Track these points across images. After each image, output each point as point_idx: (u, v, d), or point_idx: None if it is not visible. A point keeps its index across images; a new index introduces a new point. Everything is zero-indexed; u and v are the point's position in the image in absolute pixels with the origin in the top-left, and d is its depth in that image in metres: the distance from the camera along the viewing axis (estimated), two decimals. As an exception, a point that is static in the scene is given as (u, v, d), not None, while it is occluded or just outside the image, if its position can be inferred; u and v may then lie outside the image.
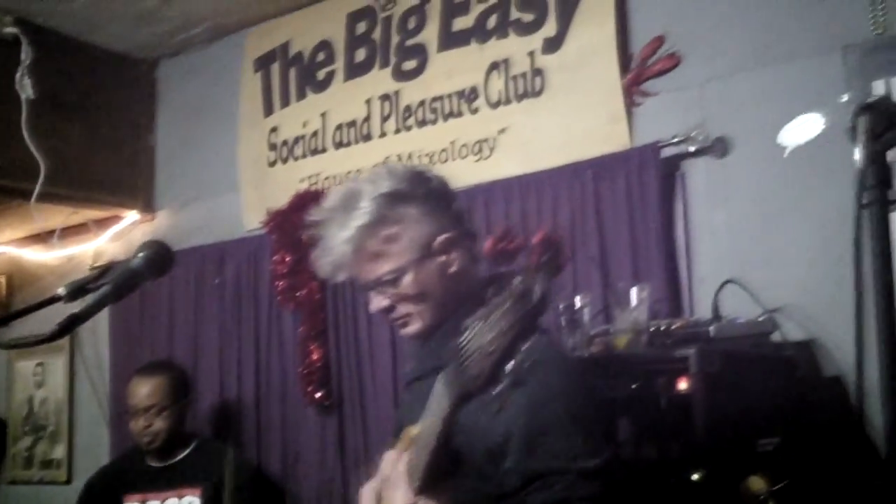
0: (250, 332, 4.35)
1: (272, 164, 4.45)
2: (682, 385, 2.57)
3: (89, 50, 4.85)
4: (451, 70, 3.94)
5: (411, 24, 4.08)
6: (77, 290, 2.02)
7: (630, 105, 3.52)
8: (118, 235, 5.09)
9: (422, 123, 3.99)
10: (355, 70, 4.24)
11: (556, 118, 3.64)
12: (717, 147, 3.34)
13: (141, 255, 2.01)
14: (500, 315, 1.48)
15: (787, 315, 3.11)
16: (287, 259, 4.11)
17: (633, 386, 2.64)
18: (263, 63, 4.57)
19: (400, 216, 2.04)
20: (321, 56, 4.36)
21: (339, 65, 4.30)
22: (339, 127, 4.23)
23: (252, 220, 4.43)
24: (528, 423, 1.83)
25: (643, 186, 3.36)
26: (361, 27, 4.24)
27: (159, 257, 2.03)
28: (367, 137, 4.13)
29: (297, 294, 4.14)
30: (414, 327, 2.09)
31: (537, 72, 3.71)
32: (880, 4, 3.13)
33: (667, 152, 3.39)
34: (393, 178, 2.08)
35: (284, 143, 4.43)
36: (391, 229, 2.04)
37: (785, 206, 3.24)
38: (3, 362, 5.65)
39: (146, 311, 4.72)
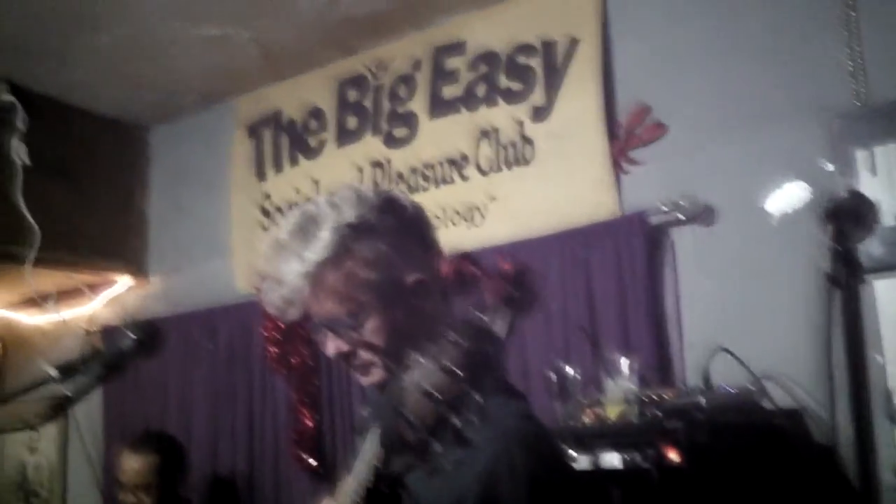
0: (243, 399, 4.36)
1: (264, 229, 4.48)
2: (673, 456, 2.58)
3: (82, 116, 4.90)
4: (441, 137, 3.99)
5: (401, 91, 4.15)
6: (68, 371, 2.03)
7: (617, 173, 3.57)
8: (112, 300, 5.11)
9: (413, 190, 4.03)
10: (346, 137, 4.29)
11: (544, 185, 3.69)
12: (705, 215, 3.38)
13: (130, 336, 2.02)
14: (449, 352, 1.27)
15: (776, 382, 3.12)
16: (279, 324, 4.12)
17: (625, 457, 2.64)
18: (255, 129, 4.62)
19: (366, 251, 1.73)
20: (312, 123, 4.42)
21: (331, 132, 4.35)
22: (331, 193, 4.25)
23: (244, 285, 4.45)
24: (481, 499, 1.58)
25: (631, 254, 3.39)
26: (352, 95, 4.30)
27: (149, 338, 2.04)
28: (357, 204, 4.16)
29: (290, 360, 4.15)
30: (375, 377, 1.79)
31: (526, 140, 3.77)
32: (860, 76, 3.19)
33: (654, 220, 3.43)
34: (360, 204, 1.76)
35: (277, 208, 4.46)
36: (354, 266, 1.73)
37: (772, 273, 3.27)
38: (-5, 427, 5.64)
39: (139, 377, 4.72)
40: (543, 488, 1.63)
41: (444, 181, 3.96)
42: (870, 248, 3.02)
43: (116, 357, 1.96)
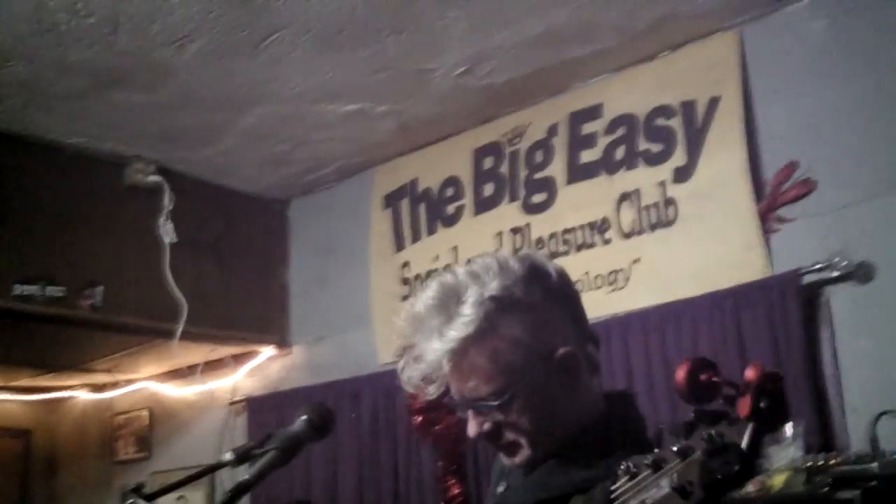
0: (388, 468, 4.37)
1: (404, 298, 4.51)
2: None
3: (224, 193, 5.06)
4: (580, 202, 3.98)
5: (538, 157, 4.16)
6: (243, 455, 2.05)
7: (767, 232, 3.49)
8: (255, 370, 5.21)
9: (554, 255, 4.01)
10: (484, 204, 4.32)
11: (690, 247, 3.64)
12: (860, 272, 3.28)
13: (303, 417, 2.04)
14: (680, 473, 1.11)
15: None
16: (423, 393, 4.12)
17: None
18: (393, 200, 4.69)
19: (511, 327, 1.60)
20: (450, 191, 4.46)
21: (468, 199, 4.38)
22: (470, 261, 4.27)
23: (386, 355, 4.48)
24: None
25: (785, 315, 3.30)
26: (488, 162, 4.33)
27: (320, 419, 2.06)
28: (496, 272, 4.16)
29: (435, 428, 4.14)
30: (522, 456, 1.65)
31: (669, 201, 3.73)
32: None
33: (808, 279, 3.34)
34: (503, 275, 1.63)
35: (417, 276, 4.50)
36: (499, 343, 1.60)
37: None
38: (143, 496, 5.76)
39: (284, 447, 4.77)
40: None
41: (585, 245, 3.95)
42: None
43: (290, 440, 1.97)
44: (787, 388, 3.06)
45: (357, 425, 4.54)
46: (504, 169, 4.27)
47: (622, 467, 1.20)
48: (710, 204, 3.61)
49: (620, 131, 3.91)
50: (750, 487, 2.78)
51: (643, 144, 3.84)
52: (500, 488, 1.76)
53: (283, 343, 5.15)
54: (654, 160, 3.80)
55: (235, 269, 5.05)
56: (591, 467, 1.52)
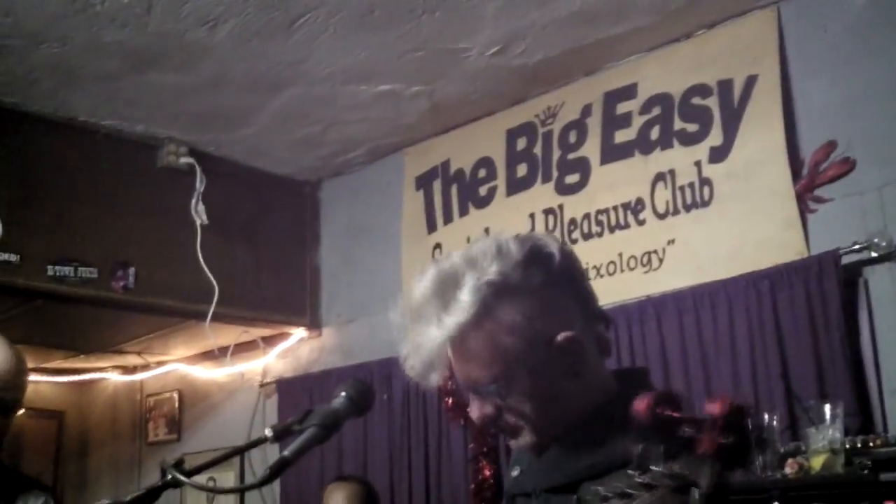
0: (419, 450, 4.37)
1: (436, 279, 4.48)
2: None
3: (255, 175, 5.06)
4: (614, 182, 3.95)
5: (572, 138, 4.13)
6: (283, 432, 2.04)
7: (804, 212, 3.45)
8: (286, 352, 5.22)
9: (587, 236, 4.00)
10: (517, 185, 4.29)
11: (726, 228, 3.60)
12: (899, 253, 3.24)
13: (343, 394, 2.02)
14: None
15: None
16: (455, 374, 4.11)
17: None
18: (424, 181, 4.67)
19: (509, 312, 1.57)
20: (482, 172, 4.43)
21: (501, 180, 4.36)
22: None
23: (417, 336, 4.45)
24: None
25: (824, 295, 3.26)
26: (521, 143, 4.31)
27: (360, 396, 2.04)
28: (532, 252, 4.13)
29: (466, 410, 4.13)
30: (525, 440, 1.64)
31: (705, 181, 3.69)
32: None
33: (847, 259, 3.30)
34: (501, 259, 1.59)
35: (448, 258, 4.47)
36: (497, 329, 1.57)
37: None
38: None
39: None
40: None
41: (620, 226, 3.92)
42: None
43: (330, 417, 1.95)
44: (826, 371, 3.03)
45: (388, 407, 4.54)
46: (537, 149, 4.24)
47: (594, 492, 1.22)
48: (747, 184, 3.57)
49: (655, 111, 3.88)
50: (788, 469, 2.76)
51: (679, 124, 3.80)
52: (515, 472, 1.74)
53: (313, 325, 5.15)
54: (689, 140, 3.76)
55: (267, 251, 5.05)
56: (599, 451, 1.49)
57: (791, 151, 3.51)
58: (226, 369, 5.41)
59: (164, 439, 5.94)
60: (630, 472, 1.23)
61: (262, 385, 5.23)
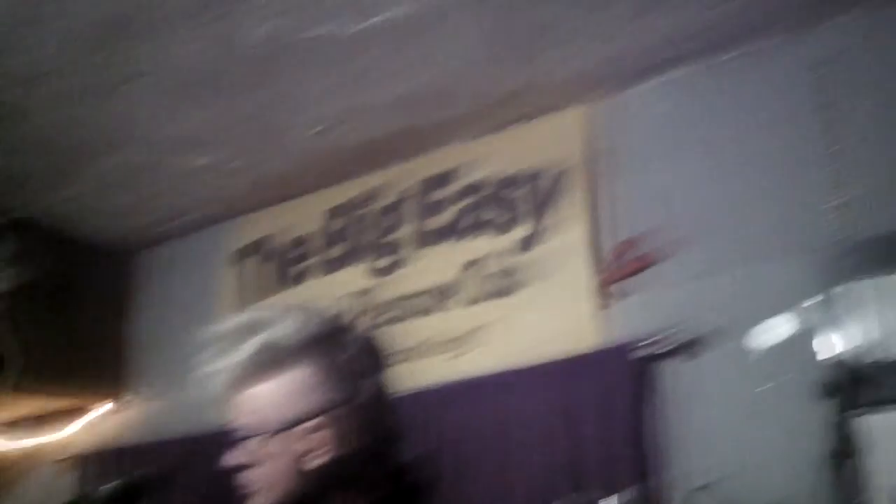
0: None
1: (247, 356, 4.41)
2: None
3: (70, 241, 4.90)
4: (427, 267, 4.00)
5: (388, 221, 4.16)
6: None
7: (603, 305, 3.55)
8: (91, 425, 5.02)
9: (396, 320, 4.01)
10: (333, 265, 4.29)
11: (529, 317, 3.67)
12: (690, 348, 3.35)
13: (111, 486, 1.98)
14: None
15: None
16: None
17: None
18: (242, 256, 4.63)
19: (286, 374, 1.66)
20: (299, 250, 4.42)
21: (317, 259, 4.35)
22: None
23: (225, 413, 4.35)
24: None
25: (615, 386, 3.34)
26: (339, 223, 4.32)
27: (129, 489, 2.00)
28: (340, 334, 4.10)
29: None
30: (261, 500, 1.68)
31: (511, 271, 3.77)
32: (843, 213, 3.21)
33: (639, 352, 3.39)
34: (300, 326, 1.69)
35: (260, 335, 4.41)
36: (258, 388, 1.67)
37: (758, 407, 3.22)
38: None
39: None
40: None
41: (429, 311, 3.94)
42: (850, 386, 3.01)
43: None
44: (614, 461, 3.08)
45: (193, 483, 4.40)
46: (354, 230, 4.26)
47: None
48: (551, 275, 3.66)
49: (470, 199, 3.96)
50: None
51: (491, 212, 3.88)
52: None
53: (121, 398, 4.98)
54: (499, 229, 3.84)
55: (77, 321, 4.87)
56: None
57: (595, 245, 3.62)
58: (26, 441, 5.16)
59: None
60: None
61: (60, 461, 5.00)
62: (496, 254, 3.82)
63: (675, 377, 3.37)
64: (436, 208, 4.04)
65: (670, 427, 3.33)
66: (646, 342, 3.38)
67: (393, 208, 4.17)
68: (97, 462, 4.77)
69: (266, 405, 1.66)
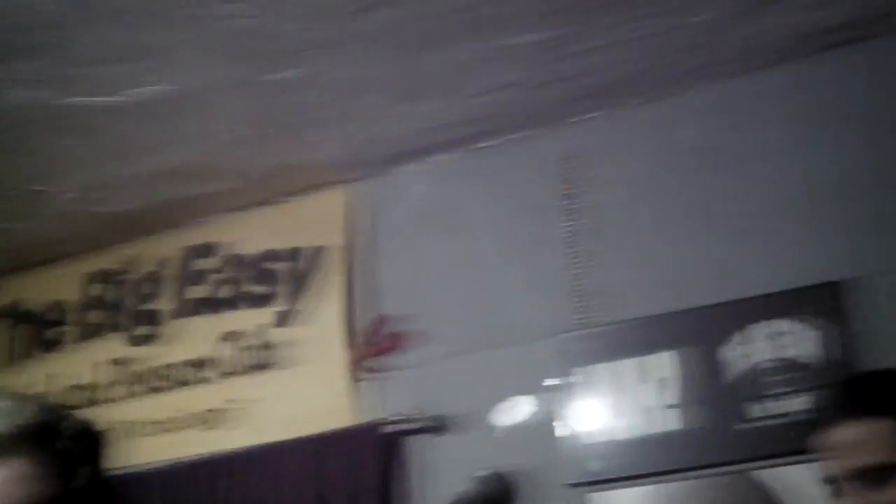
0: None
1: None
2: None
3: None
4: (185, 339, 3.97)
5: (148, 289, 4.12)
6: None
7: (355, 381, 3.63)
8: None
9: (154, 390, 3.96)
10: (89, 332, 4.20)
11: (284, 391, 3.71)
12: (438, 426, 3.47)
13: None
14: None
15: None
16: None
17: None
18: (-4, 319, 4.46)
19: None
20: (54, 316, 4.30)
21: (73, 326, 4.24)
22: (66, 391, 4.12)
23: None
24: None
25: (364, 463, 3.43)
26: (97, 289, 4.23)
27: None
28: (93, 402, 4.02)
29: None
30: None
31: (269, 345, 3.80)
32: (583, 299, 3.42)
33: (388, 430, 3.48)
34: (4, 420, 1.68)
35: (9, 404, 4.25)
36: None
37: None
38: None
39: None
40: None
41: (186, 383, 3.92)
42: (586, 465, 3.19)
43: None
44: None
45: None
46: (113, 298, 4.19)
47: None
48: (306, 351, 3.72)
49: (230, 271, 3.97)
50: None
51: (250, 286, 3.91)
52: None
53: None
54: (258, 303, 3.87)
55: None
56: None
57: (350, 323, 3.71)
58: None
59: None
60: None
61: None
62: (255, 328, 3.84)
63: (424, 454, 3.48)
64: (196, 279, 4.02)
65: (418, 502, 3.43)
66: (396, 420, 3.48)
67: (153, 277, 4.12)
68: None
69: None
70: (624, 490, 3.17)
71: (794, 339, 3.06)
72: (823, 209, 3.16)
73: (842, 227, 3.12)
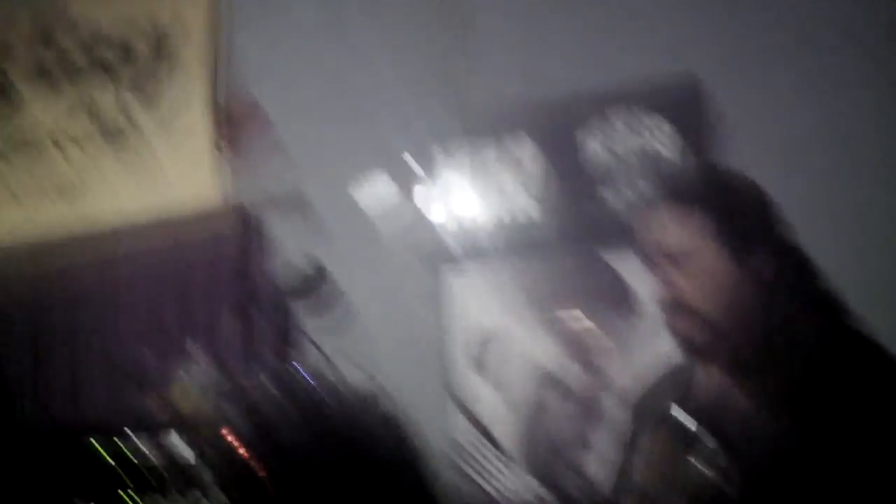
0: None
1: None
2: (236, 445, 2.63)
3: None
4: (41, 112, 3.87)
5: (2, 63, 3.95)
6: None
7: (216, 159, 3.60)
8: None
9: (7, 163, 3.87)
10: None
11: (146, 171, 3.68)
12: (296, 202, 3.47)
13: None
14: None
15: (357, 367, 3.26)
16: None
17: (195, 448, 2.68)
18: None
19: None
20: None
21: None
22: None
23: None
24: None
25: (226, 243, 3.47)
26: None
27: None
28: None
29: None
30: None
31: (130, 123, 3.73)
32: (449, 81, 3.39)
33: (252, 209, 3.50)
34: None
35: None
36: None
37: (358, 256, 3.41)
38: None
39: None
40: None
41: (42, 156, 3.82)
42: (442, 241, 3.26)
43: None
44: (219, 312, 3.19)
45: None
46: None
47: None
48: (170, 130, 3.66)
49: (90, 46, 3.82)
50: (161, 409, 2.89)
51: (111, 63, 3.78)
52: None
53: None
54: (117, 76, 3.76)
55: None
56: None
57: (211, 100, 3.63)
58: None
59: None
60: None
61: None
62: (114, 104, 3.73)
63: (285, 233, 3.50)
64: (54, 53, 3.86)
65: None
66: (257, 198, 3.47)
67: (7, 49, 3.93)
68: None
69: None
70: (479, 267, 3.25)
71: (651, 130, 3.11)
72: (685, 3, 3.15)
73: (702, 24, 3.11)
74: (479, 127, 3.29)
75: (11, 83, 3.93)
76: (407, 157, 3.34)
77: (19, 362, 3.47)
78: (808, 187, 2.80)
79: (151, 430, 2.78)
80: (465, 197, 3.27)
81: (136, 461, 2.82)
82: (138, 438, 2.87)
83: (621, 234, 3.00)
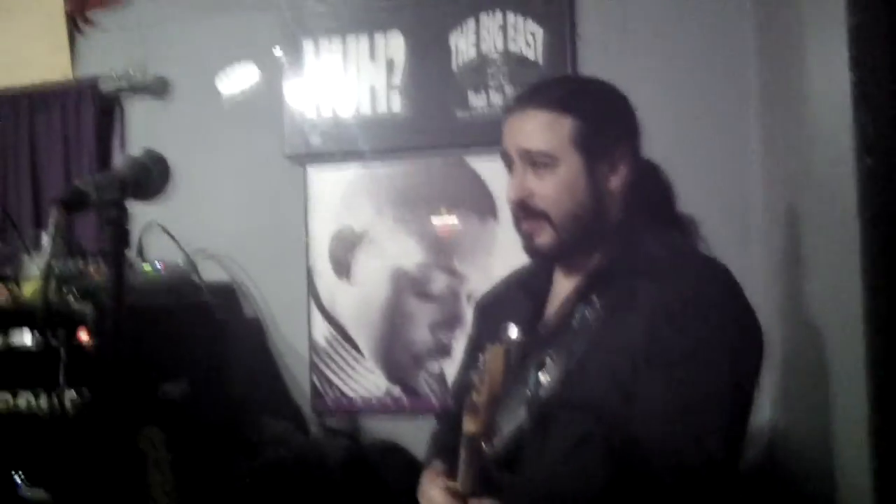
0: None
1: None
2: (84, 337, 2.56)
3: None
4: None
5: None
6: None
7: (73, 35, 3.42)
8: None
9: None
10: None
11: (-1, 39, 3.46)
12: (156, 86, 3.35)
13: None
14: None
15: (213, 258, 3.22)
16: None
17: (38, 337, 2.60)
18: None
19: None
20: None
21: None
22: None
23: None
24: None
25: (80, 120, 3.31)
26: None
27: None
28: None
29: None
30: None
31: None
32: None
33: (106, 87, 3.35)
34: None
35: None
36: None
37: (221, 150, 3.34)
38: None
39: None
40: None
41: None
42: (309, 138, 3.19)
43: None
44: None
45: None
46: None
47: None
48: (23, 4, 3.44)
49: None
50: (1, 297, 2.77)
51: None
52: None
53: None
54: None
55: None
56: None
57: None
58: None
59: None
60: None
61: None
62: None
63: (144, 114, 3.38)
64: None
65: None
66: (115, 78, 3.33)
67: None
68: None
69: None
70: (344, 166, 3.20)
71: (522, 35, 3.07)
72: None
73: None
74: (352, 24, 3.20)
75: None
76: (277, 50, 3.23)
77: None
78: (667, 97, 2.84)
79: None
80: (334, 94, 3.20)
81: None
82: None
83: (488, 137, 3.05)
